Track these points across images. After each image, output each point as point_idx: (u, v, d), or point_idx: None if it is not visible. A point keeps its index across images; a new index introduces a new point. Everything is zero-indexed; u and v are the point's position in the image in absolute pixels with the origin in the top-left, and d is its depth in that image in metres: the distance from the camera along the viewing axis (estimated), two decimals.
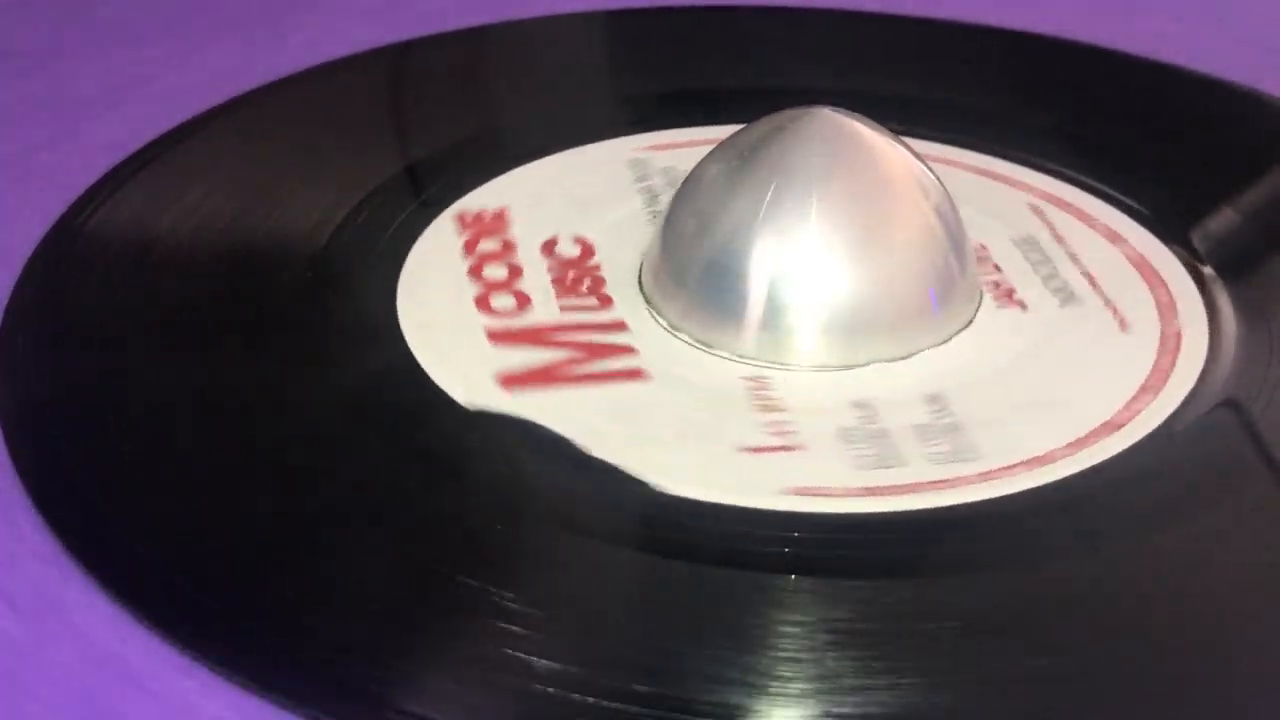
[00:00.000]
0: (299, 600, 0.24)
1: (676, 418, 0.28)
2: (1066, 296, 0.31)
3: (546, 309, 0.31)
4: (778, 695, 0.23)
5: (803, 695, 0.23)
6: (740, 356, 0.29)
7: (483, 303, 0.31)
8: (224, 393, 0.29)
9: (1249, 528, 0.26)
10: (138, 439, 0.27)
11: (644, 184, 0.35)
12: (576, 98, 0.40)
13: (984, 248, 0.33)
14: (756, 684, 0.23)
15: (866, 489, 0.26)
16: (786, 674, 0.23)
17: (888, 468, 0.27)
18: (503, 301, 0.31)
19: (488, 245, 0.33)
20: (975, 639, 0.24)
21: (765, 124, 0.31)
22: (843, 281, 0.29)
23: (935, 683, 0.23)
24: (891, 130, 0.31)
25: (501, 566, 0.25)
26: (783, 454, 0.27)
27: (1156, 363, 0.30)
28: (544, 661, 0.23)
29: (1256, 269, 0.33)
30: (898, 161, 0.31)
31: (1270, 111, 0.39)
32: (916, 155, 0.31)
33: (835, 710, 0.23)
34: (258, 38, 0.42)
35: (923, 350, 0.30)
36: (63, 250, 0.32)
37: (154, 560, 0.25)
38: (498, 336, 0.30)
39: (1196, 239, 0.33)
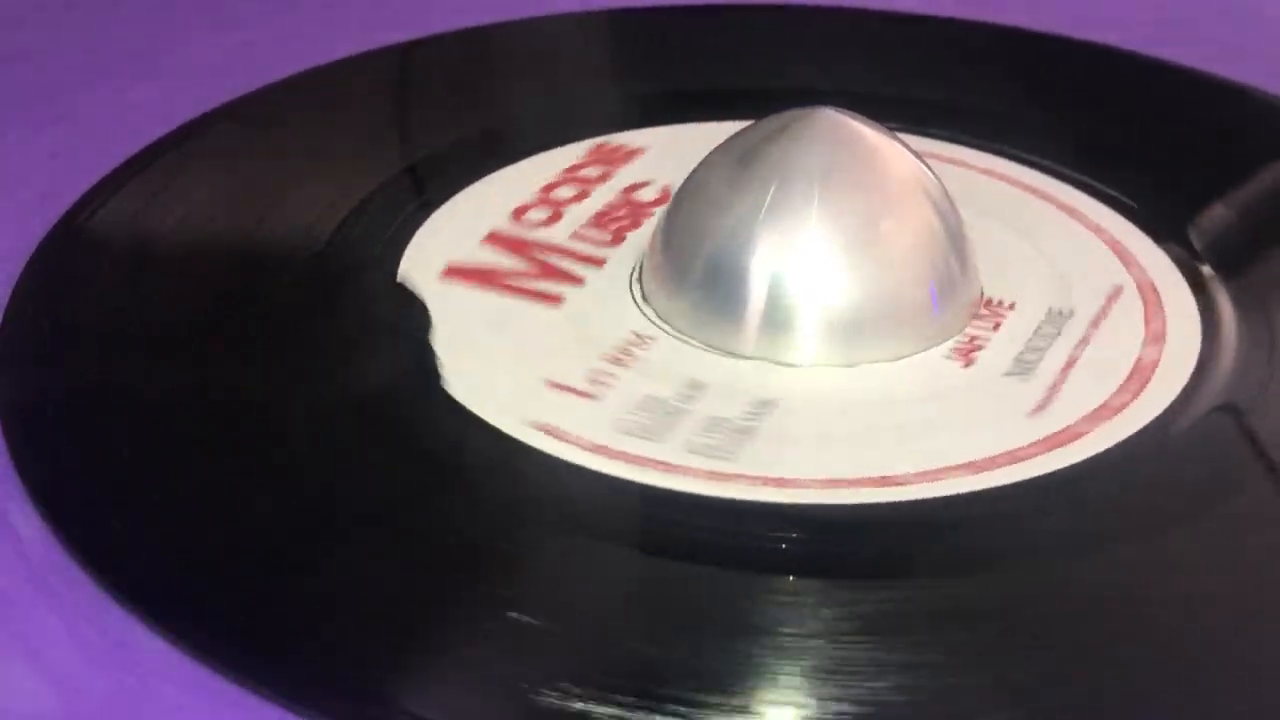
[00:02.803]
0: (299, 600, 0.24)
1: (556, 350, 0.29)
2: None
3: (559, 230, 0.33)
4: (777, 694, 0.23)
5: (800, 693, 0.23)
6: (740, 355, 0.29)
7: (520, 211, 0.33)
8: (224, 392, 0.29)
9: (1247, 528, 0.26)
10: (137, 439, 0.27)
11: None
12: (577, 98, 0.40)
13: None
14: (755, 682, 0.23)
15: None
16: (785, 672, 0.23)
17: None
18: (536, 214, 0.33)
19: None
20: (973, 639, 0.24)
21: (766, 124, 0.31)
22: (843, 281, 0.29)
23: (932, 682, 0.23)
24: (890, 129, 0.31)
25: (502, 567, 0.25)
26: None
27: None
28: (544, 661, 0.23)
29: (1255, 268, 0.33)
30: (898, 162, 0.31)
31: (1269, 111, 0.39)
32: (916, 155, 0.31)
33: (833, 709, 0.23)
34: (258, 38, 0.42)
35: (923, 350, 0.30)
36: (63, 250, 0.32)
37: (155, 560, 0.25)
38: (493, 238, 0.32)
39: (1195, 238, 0.33)
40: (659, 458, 0.27)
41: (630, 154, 0.36)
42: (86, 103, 0.39)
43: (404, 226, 0.33)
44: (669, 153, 0.35)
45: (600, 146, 0.36)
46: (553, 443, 0.27)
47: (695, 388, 0.29)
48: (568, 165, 0.35)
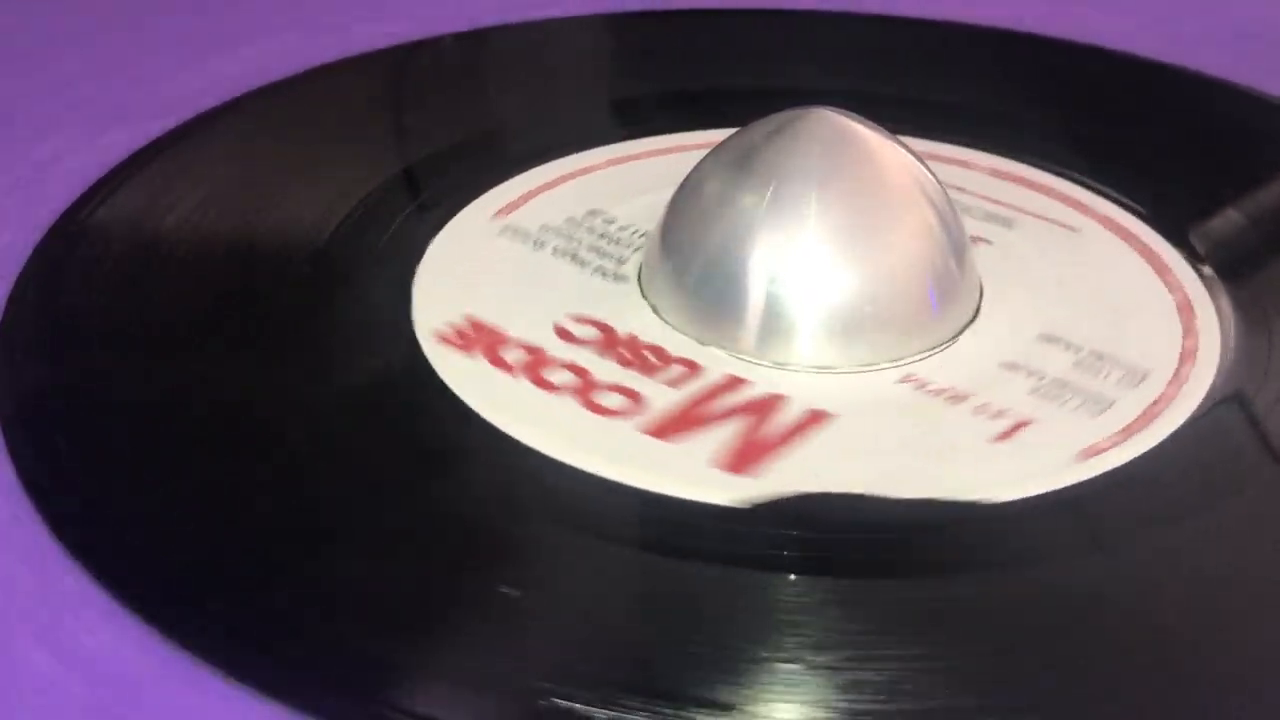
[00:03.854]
0: (299, 600, 0.24)
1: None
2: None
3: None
4: (777, 693, 0.23)
5: (800, 693, 0.23)
6: (740, 354, 0.29)
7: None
8: (223, 392, 0.29)
9: (1249, 527, 0.26)
10: (137, 439, 0.27)
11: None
12: (576, 100, 0.40)
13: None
14: (756, 682, 0.23)
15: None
16: (785, 671, 0.23)
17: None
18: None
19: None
20: (974, 639, 0.24)
21: (765, 125, 0.31)
22: (842, 282, 0.29)
23: (933, 682, 0.23)
24: (890, 130, 0.31)
25: (502, 566, 0.25)
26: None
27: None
28: (545, 661, 0.23)
29: (1256, 269, 0.33)
30: (897, 162, 0.31)
31: (1270, 111, 0.39)
32: (916, 155, 0.31)
33: (834, 709, 0.23)
34: (258, 38, 0.42)
35: (922, 351, 0.30)
36: (63, 250, 0.32)
37: (154, 560, 0.25)
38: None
39: (1196, 239, 0.33)
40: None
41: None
42: (86, 101, 0.39)
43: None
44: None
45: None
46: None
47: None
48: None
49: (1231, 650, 0.24)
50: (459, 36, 0.42)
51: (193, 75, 0.40)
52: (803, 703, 0.23)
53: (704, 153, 0.32)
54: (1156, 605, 0.25)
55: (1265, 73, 0.41)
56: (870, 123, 0.31)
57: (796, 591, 0.25)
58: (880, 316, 0.29)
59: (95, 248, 0.32)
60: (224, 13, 0.44)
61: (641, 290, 0.31)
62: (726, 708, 0.23)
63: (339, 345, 0.30)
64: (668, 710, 0.22)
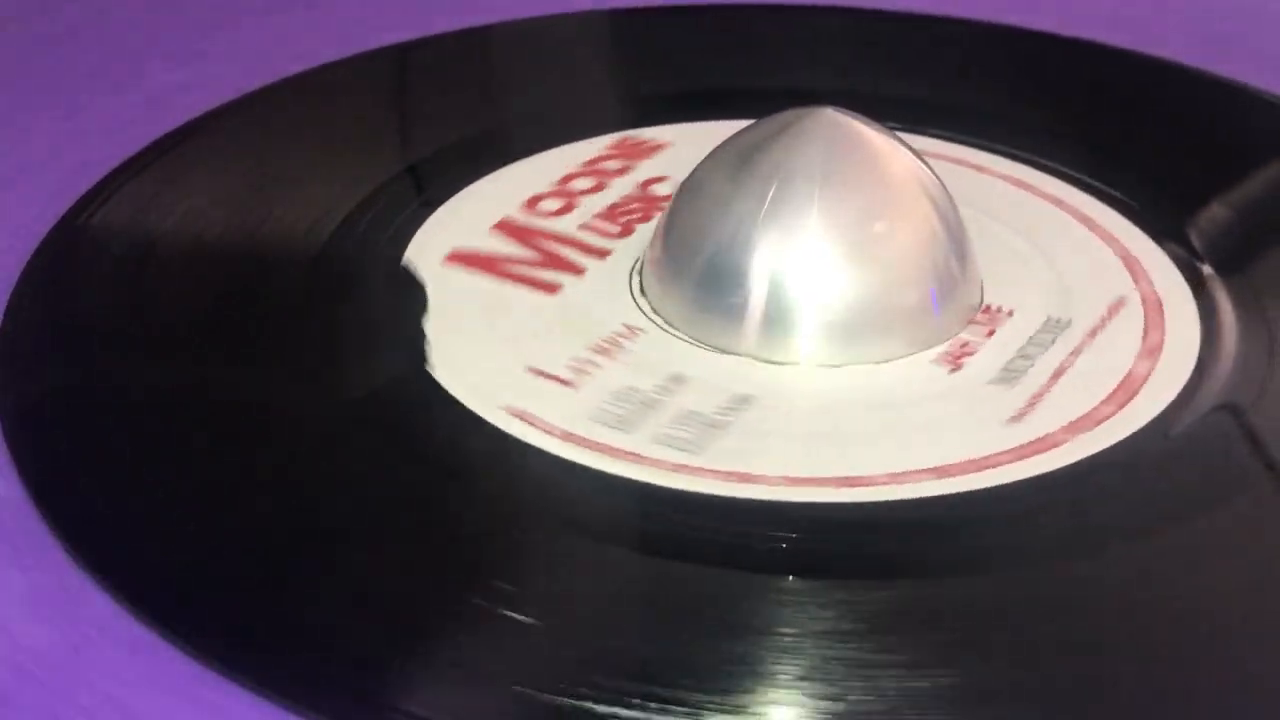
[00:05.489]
0: (299, 600, 0.24)
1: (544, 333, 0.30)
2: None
3: (569, 221, 0.33)
4: (776, 694, 0.23)
5: (800, 694, 0.23)
6: (740, 354, 0.29)
7: (534, 201, 0.33)
8: (223, 392, 0.29)
9: (1248, 528, 0.26)
10: (137, 439, 0.27)
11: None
12: (577, 98, 0.40)
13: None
14: (755, 683, 0.23)
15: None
16: (784, 672, 0.23)
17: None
18: (549, 204, 0.33)
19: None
20: (973, 639, 0.24)
21: (767, 124, 0.31)
22: (844, 281, 0.29)
23: (932, 682, 0.23)
24: (891, 129, 0.31)
25: (500, 567, 0.25)
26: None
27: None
28: (543, 661, 0.23)
29: (1254, 267, 0.33)
30: (899, 162, 0.31)
31: (1269, 110, 0.39)
32: (917, 155, 0.31)
33: (832, 710, 0.23)
34: (258, 39, 0.42)
35: (921, 351, 0.30)
36: (63, 250, 0.32)
37: (154, 560, 0.25)
38: (502, 226, 0.33)
39: (1195, 237, 0.33)
40: (626, 448, 0.27)
41: (653, 149, 0.36)
42: (86, 102, 0.39)
43: (405, 226, 0.33)
44: (690, 149, 0.34)
45: (623, 141, 0.36)
46: (523, 428, 0.27)
47: (676, 381, 0.29)
48: (588, 158, 0.35)
49: (1230, 650, 0.24)
50: (458, 34, 0.42)
51: (192, 76, 0.40)
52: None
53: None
54: (1149, 607, 0.25)
55: (1265, 71, 0.41)
56: (872, 122, 0.31)
57: (795, 590, 0.25)
58: (881, 316, 0.29)
59: (95, 249, 0.32)
60: (223, 14, 0.44)
61: (641, 289, 0.31)
62: (726, 707, 0.23)
63: (339, 345, 0.30)
64: (665, 709, 0.22)
